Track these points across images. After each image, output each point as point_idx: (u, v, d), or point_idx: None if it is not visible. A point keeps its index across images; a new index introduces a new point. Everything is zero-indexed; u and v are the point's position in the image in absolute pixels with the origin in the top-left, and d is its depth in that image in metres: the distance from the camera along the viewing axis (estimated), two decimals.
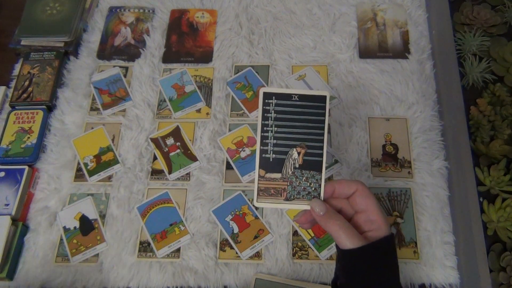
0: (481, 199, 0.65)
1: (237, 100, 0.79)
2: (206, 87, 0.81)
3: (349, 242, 0.45)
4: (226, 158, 0.74)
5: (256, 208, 0.70)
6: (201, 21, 0.89)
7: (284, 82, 0.81)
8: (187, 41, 0.86)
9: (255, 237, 0.68)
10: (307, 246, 0.67)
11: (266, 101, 0.49)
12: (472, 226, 0.61)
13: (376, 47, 0.83)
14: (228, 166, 0.73)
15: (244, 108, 0.78)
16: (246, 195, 0.71)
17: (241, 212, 0.70)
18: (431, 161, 0.72)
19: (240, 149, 0.75)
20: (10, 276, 0.67)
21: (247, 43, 0.85)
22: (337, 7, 0.87)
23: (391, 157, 0.73)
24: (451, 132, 0.72)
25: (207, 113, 0.79)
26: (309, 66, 0.82)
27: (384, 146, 0.74)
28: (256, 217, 0.69)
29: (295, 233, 0.68)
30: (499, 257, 0.61)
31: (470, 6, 0.82)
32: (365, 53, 0.82)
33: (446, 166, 0.71)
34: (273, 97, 0.49)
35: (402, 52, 0.82)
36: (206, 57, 0.85)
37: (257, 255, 0.67)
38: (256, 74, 0.82)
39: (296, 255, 0.66)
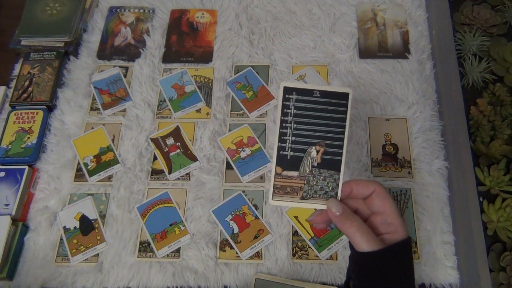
0: (481, 199, 0.65)
1: (237, 100, 0.79)
2: (206, 87, 0.81)
3: (366, 245, 0.44)
4: (226, 158, 0.74)
5: (256, 208, 0.70)
6: (201, 21, 0.89)
7: None
8: (187, 41, 0.86)
9: (255, 237, 0.68)
10: (307, 246, 0.67)
11: (287, 96, 0.47)
12: (472, 226, 0.61)
13: (376, 47, 0.83)
14: (228, 166, 0.73)
15: (244, 108, 0.78)
16: (246, 195, 0.71)
17: (241, 212, 0.70)
18: (431, 161, 0.72)
19: (240, 149, 0.74)
20: (10, 276, 0.67)
21: (247, 43, 0.85)
22: (337, 7, 0.87)
23: (391, 157, 0.72)
24: (451, 132, 0.72)
25: (207, 113, 0.79)
26: (309, 66, 0.82)
27: (384, 146, 0.73)
28: (256, 217, 0.69)
29: (295, 233, 0.68)
30: (499, 257, 0.61)
31: (470, 6, 0.82)
32: (365, 53, 0.82)
33: (446, 166, 0.71)
34: (294, 92, 0.47)
35: (402, 52, 0.82)
36: (206, 57, 0.84)
37: (257, 255, 0.67)
38: (256, 74, 0.82)
39: (296, 255, 0.66)
